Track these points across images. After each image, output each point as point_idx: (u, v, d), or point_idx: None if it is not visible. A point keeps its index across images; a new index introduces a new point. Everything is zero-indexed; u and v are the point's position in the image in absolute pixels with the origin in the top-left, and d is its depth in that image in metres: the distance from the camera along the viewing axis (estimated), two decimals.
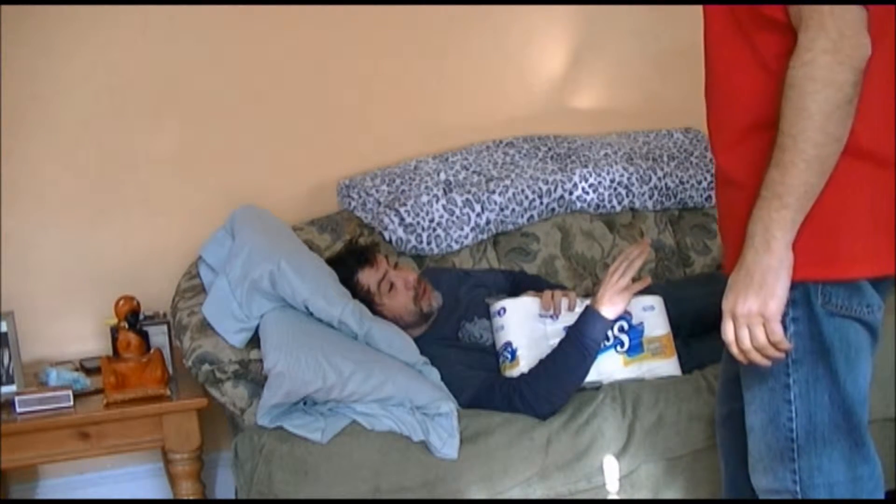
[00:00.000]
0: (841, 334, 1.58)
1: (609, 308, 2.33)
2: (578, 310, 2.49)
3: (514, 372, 2.37)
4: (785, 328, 1.58)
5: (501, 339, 2.45)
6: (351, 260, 2.53)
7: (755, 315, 1.53)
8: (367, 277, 2.50)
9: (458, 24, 3.12)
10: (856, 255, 1.55)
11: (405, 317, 2.50)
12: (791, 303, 1.57)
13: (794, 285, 1.55)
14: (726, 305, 1.57)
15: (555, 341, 2.40)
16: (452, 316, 2.55)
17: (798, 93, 1.44)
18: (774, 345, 1.55)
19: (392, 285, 2.50)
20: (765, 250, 1.51)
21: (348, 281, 2.47)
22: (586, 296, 2.75)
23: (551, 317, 2.45)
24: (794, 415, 1.62)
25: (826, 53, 1.42)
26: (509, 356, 2.41)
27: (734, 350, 1.58)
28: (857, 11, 1.43)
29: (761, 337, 1.55)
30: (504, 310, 2.46)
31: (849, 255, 1.55)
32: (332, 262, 2.52)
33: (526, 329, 2.43)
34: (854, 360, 1.60)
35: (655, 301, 2.51)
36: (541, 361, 2.35)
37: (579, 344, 2.33)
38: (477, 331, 2.53)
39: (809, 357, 1.59)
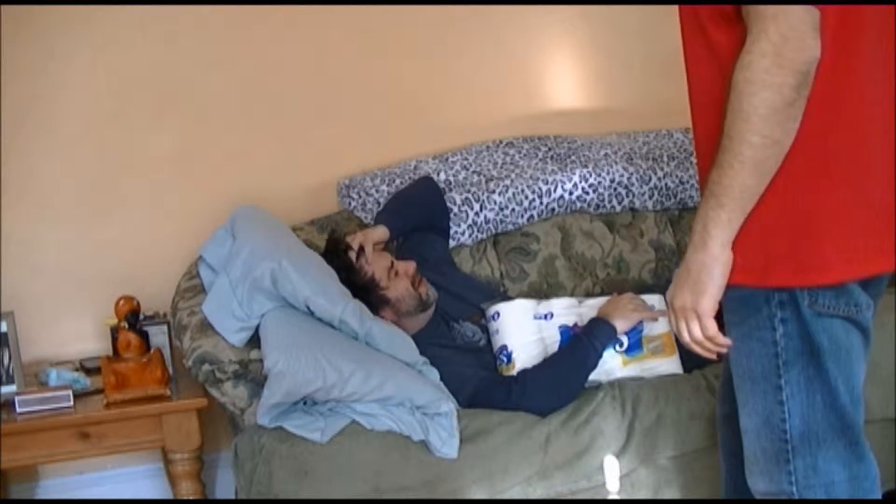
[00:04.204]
0: (830, 334, 1.59)
1: (622, 322, 2.39)
2: (574, 309, 2.50)
3: (512, 374, 2.38)
4: (773, 329, 1.59)
5: (497, 343, 2.46)
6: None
7: (689, 310, 1.57)
8: (374, 262, 2.51)
9: (459, 24, 3.13)
10: (836, 259, 1.56)
11: (407, 300, 2.51)
12: (779, 304, 1.58)
13: (781, 288, 1.56)
14: (668, 297, 1.62)
15: (550, 342, 2.41)
16: (442, 319, 2.58)
17: (736, 95, 1.45)
18: (710, 339, 1.59)
19: (397, 272, 2.52)
20: (701, 248, 1.54)
21: (351, 267, 2.48)
22: (587, 295, 2.77)
23: (545, 317, 2.46)
24: (787, 416, 1.62)
25: (765, 56, 1.42)
26: (505, 359, 2.42)
27: (681, 339, 1.63)
28: (803, 14, 1.42)
29: (696, 331, 1.59)
30: (498, 314, 2.47)
31: (827, 260, 1.56)
32: (332, 248, 2.54)
33: (521, 331, 2.44)
34: (845, 359, 1.61)
35: (657, 300, 2.52)
36: (544, 359, 2.37)
37: (586, 344, 2.37)
38: (468, 331, 2.55)
39: (800, 358, 1.60)
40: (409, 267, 2.55)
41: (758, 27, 1.43)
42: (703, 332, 1.58)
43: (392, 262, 2.54)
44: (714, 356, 1.64)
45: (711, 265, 1.54)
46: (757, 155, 1.46)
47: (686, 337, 1.61)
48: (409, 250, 2.67)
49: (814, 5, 1.42)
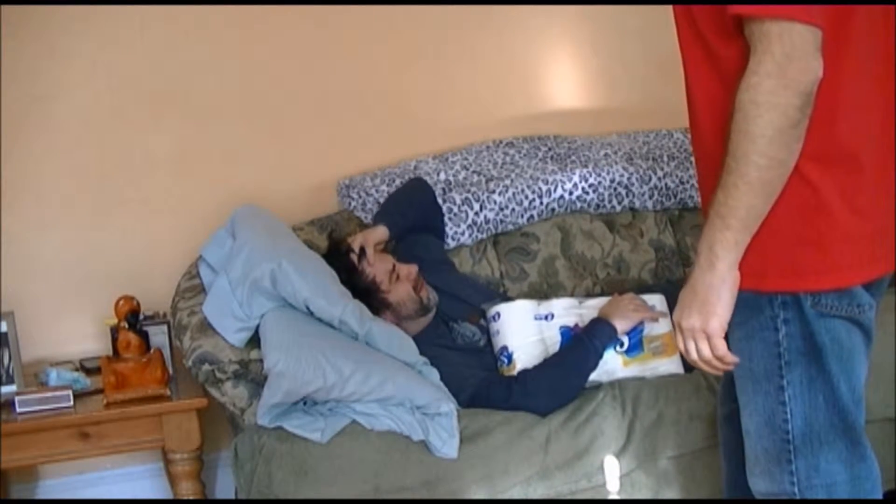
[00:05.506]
0: (832, 335, 1.59)
1: (623, 322, 2.40)
2: (574, 310, 2.50)
3: (513, 375, 2.39)
4: (776, 330, 1.59)
5: (498, 344, 2.46)
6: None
7: (698, 331, 1.57)
8: (376, 265, 2.51)
9: (458, 24, 3.12)
10: (835, 264, 1.56)
11: (408, 303, 2.51)
12: (781, 305, 1.59)
13: (783, 291, 1.57)
14: (675, 318, 1.62)
15: (551, 343, 2.41)
16: (442, 320, 2.58)
17: (742, 116, 1.45)
18: (720, 359, 1.59)
19: (398, 275, 2.52)
20: (708, 269, 1.54)
21: (353, 269, 2.48)
22: (587, 295, 2.77)
23: (546, 318, 2.46)
24: (789, 416, 1.62)
25: (770, 77, 1.42)
26: (506, 360, 2.42)
27: (688, 359, 1.63)
28: (807, 34, 1.41)
29: (705, 351, 1.59)
30: (499, 314, 2.47)
31: (827, 265, 1.56)
32: (334, 250, 2.54)
33: (521, 332, 2.44)
34: (847, 359, 1.61)
35: (657, 300, 2.52)
36: (545, 359, 2.38)
37: (586, 344, 2.37)
38: (468, 331, 2.55)
39: (802, 358, 1.60)
40: (411, 270, 2.54)
41: (762, 47, 1.43)
42: (712, 352, 1.58)
43: (394, 265, 2.53)
44: (721, 374, 1.64)
45: (719, 286, 1.54)
46: (763, 176, 1.46)
47: (694, 356, 1.60)
48: (406, 252, 2.67)
49: (816, 25, 1.42)
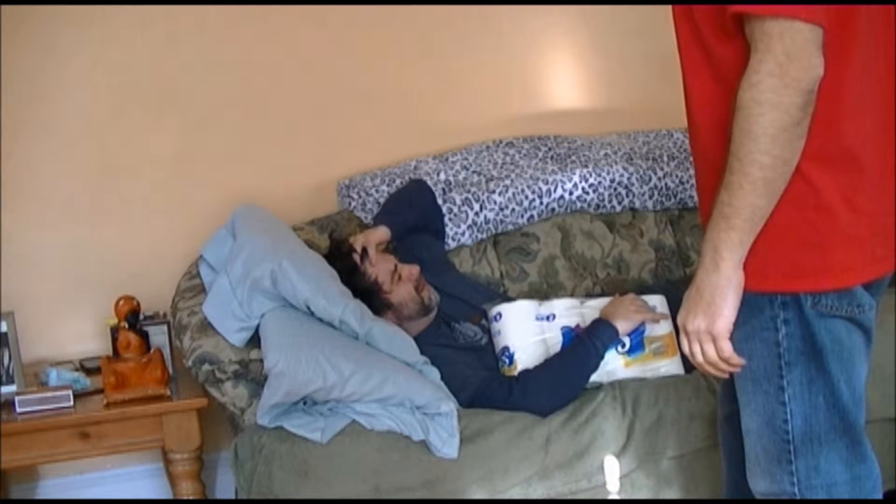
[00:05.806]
0: (833, 335, 1.59)
1: (624, 323, 2.40)
2: (575, 310, 2.50)
3: (514, 375, 2.38)
4: (776, 330, 1.59)
5: (499, 344, 2.46)
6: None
7: (704, 332, 1.57)
8: (378, 265, 2.51)
9: (459, 24, 3.13)
10: (836, 266, 1.56)
11: (410, 304, 2.51)
12: (781, 305, 1.58)
13: (784, 291, 1.57)
14: (679, 320, 1.61)
15: (552, 343, 2.41)
16: (443, 320, 2.58)
17: (744, 115, 1.45)
18: (725, 360, 1.58)
19: (400, 276, 2.52)
20: (713, 270, 1.53)
21: (355, 269, 2.48)
22: (587, 296, 2.77)
23: (547, 318, 2.46)
24: (789, 416, 1.62)
25: (772, 76, 1.42)
26: (507, 360, 2.42)
27: (692, 362, 1.62)
28: (808, 32, 1.41)
29: (711, 353, 1.58)
30: (500, 315, 2.47)
31: (827, 267, 1.56)
32: (335, 251, 2.54)
33: (523, 332, 2.44)
34: (847, 359, 1.61)
35: (658, 300, 2.52)
36: (546, 359, 2.38)
37: (587, 344, 2.37)
38: (469, 331, 2.55)
39: (802, 358, 1.60)
40: (412, 271, 2.54)
41: (763, 45, 1.43)
42: (718, 355, 1.58)
43: (396, 266, 2.53)
44: (727, 376, 1.64)
45: (725, 287, 1.53)
46: (767, 175, 1.46)
47: (700, 358, 1.59)
48: (406, 252, 2.67)
49: (817, 24, 1.41)
